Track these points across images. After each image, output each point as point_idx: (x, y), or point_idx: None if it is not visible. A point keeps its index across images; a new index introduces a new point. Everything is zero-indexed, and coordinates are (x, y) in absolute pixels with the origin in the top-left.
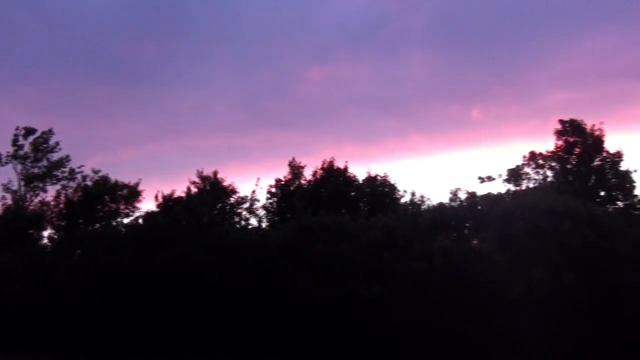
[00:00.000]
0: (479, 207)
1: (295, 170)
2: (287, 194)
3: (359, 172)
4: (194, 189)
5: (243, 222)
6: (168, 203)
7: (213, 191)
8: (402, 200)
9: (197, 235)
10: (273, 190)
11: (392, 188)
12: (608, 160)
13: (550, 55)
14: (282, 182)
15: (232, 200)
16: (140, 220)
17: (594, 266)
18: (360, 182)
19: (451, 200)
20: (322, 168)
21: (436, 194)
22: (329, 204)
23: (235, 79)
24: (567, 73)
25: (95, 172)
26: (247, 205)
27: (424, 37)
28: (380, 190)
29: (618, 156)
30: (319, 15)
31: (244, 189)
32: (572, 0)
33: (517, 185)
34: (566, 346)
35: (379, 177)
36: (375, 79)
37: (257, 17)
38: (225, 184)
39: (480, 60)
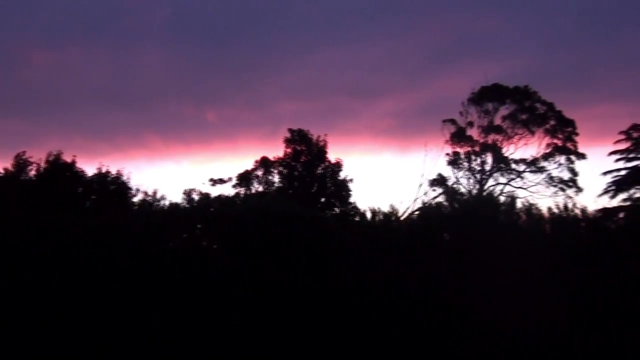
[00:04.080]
0: (211, 209)
1: (21, 163)
2: (7, 188)
3: (89, 167)
4: None
5: None
6: None
7: None
8: (135, 199)
9: None
10: None
11: (124, 186)
12: (329, 169)
13: (281, 66)
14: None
15: None
16: None
17: (314, 267)
18: (90, 178)
19: (184, 201)
20: (47, 161)
21: (170, 195)
22: (55, 201)
23: None
24: (296, 85)
25: None
26: None
27: (162, 34)
28: (111, 188)
29: (337, 166)
30: None
31: None
32: (301, 17)
33: (247, 188)
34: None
35: (110, 174)
36: (109, 72)
37: None
38: None
39: (216, 63)
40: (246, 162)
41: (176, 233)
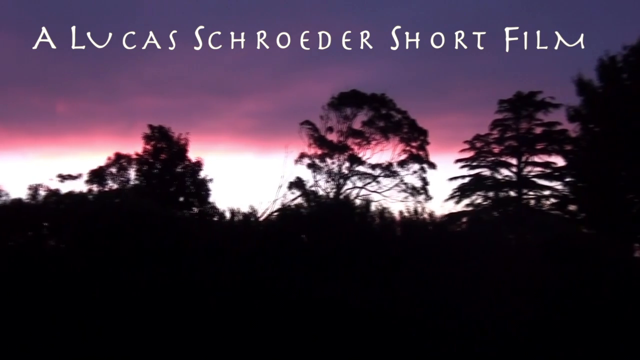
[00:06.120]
0: (60, 206)
1: None
2: None
3: None
4: None
5: None
6: None
7: None
8: None
9: None
10: None
11: None
12: (189, 168)
13: (140, 59)
14: None
15: None
16: None
17: (169, 266)
18: None
19: (30, 197)
20: None
21: (14, 190)
22: None
23: None
24: (156, 79)
25: None
26: None
27: (8, 18)
28: None
29: (198, 165)
30: None
31: None
32: (163, 10)
33: (100, 185)
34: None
35: None
36: None
37: None
38: None
39: (68, 51)
40: (101, 157)
41: (18, 231)
